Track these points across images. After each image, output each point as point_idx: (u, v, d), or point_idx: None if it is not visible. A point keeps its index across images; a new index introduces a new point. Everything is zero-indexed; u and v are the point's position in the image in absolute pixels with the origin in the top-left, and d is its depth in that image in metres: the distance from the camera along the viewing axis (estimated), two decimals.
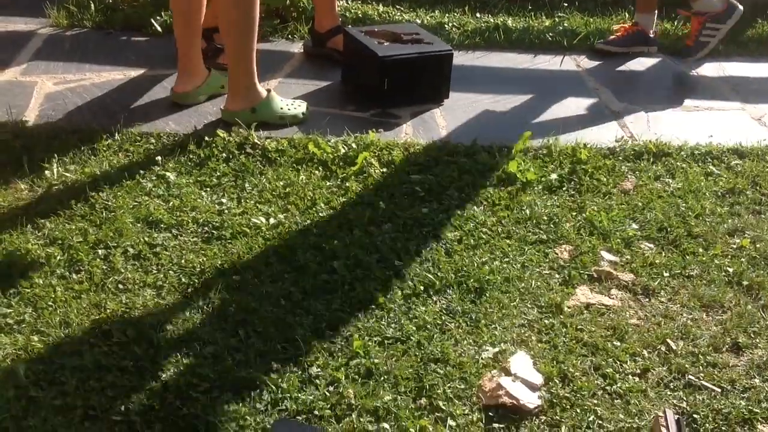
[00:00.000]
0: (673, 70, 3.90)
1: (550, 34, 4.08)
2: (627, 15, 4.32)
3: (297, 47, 3.84)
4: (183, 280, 2.35)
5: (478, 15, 4.28)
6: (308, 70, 3.63)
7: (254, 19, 3.00)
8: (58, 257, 2.39)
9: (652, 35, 3.97)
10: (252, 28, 3.02)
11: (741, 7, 3.79)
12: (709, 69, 3.90)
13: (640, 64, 3.92)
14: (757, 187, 2.96)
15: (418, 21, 4.12)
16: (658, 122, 3.40)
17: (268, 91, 3.19)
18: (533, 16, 4.29)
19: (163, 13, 3.91)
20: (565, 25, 4.18)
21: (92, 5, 3.92)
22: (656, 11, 3.99)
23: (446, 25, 4.12)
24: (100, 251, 2.43)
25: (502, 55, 3.94)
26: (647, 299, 2.43)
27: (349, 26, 3.73)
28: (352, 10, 4.20)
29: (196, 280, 2.35)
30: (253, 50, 3.06)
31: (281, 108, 3.18)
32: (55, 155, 2.84)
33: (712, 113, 3.51)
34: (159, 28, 3.84)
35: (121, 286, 2.31)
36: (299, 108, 3.23)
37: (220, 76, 3.28)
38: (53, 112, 3.14)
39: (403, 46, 3.40)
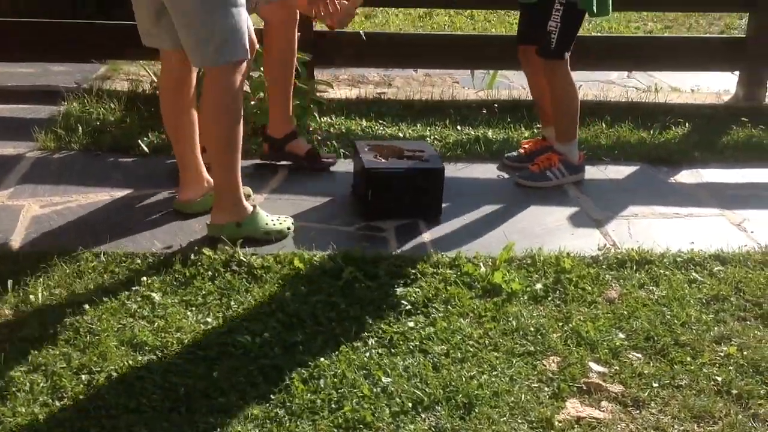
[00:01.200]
0: (652, 177, 3.97)
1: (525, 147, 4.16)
2: (604, 125, 4.42)
3: (281, 164, 3.90)
4: (167, 404, 2.32)
5: (458, 128, 4.38)
6: (294, 186, 3.69)
7: (237, 133, 3.07)
8: (41, 384, 2.36)
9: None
10: (235, 143, 3.07)
11: (584, 172, 3.86)
12: (687, 176, 3.97)
13: (619, 172, 4.00)
14: (741, 294, 2.98)
15: (401, 135, 4.21)
16: (639, 230, 3.44)
17: (254, 206, 3.22)
18: (512, 128, 4.39)
19: (150, 134, 3.99)
20: (544, 135, 4.27)
21: (80, 128, 3.99)
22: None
23: (428, 138, 4.21)
24: (83, 377, 2.40)
25: (484, 167, 4.01)
26: (638, 411, 2.41)
27: (358, 140, 3.80)
28: (336, 125, 4.29)
29: (181, 404, 2.32)
30: (238, 165, 3.11)
31: (266, 223, 3.21)
32: (41, 278, 2.85)
33: (692, 220, 3.56)
34: (146, 149, 3.90)
35: (104, 412, 2.27)
36: (285, 223, 3.27)
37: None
38: (39, 235, 3.16)
39: (397, 161, 3.48)
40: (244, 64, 3.08)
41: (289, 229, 3.26)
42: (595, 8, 3.56)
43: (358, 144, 3.59)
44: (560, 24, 3.57)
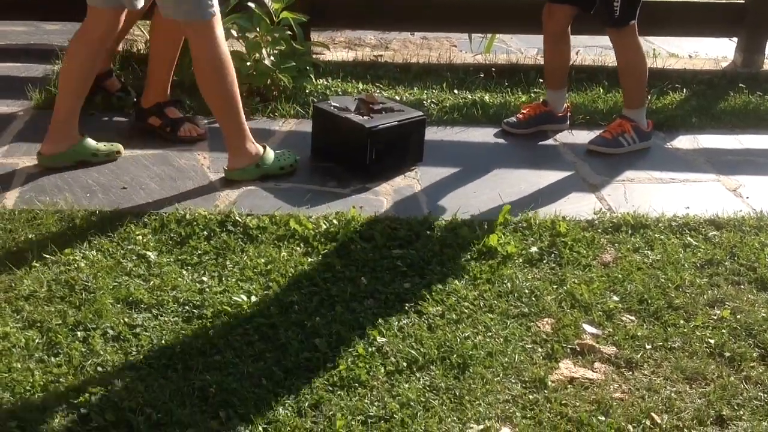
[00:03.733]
0: None
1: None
2: (601, 90, 4.40)
3: (278, 125, 3.89)
4: (163, 361, 2.32)
5: (456, 91, 4.36)
6: (290, 147, 3.66)
7: (235, 81, 3.24)
8: (37, 340, 2.36)
9: (560, 114, 3.98)
10: (236, 91, 3.26)
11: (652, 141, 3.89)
12: (684, 141, 3.97)
13: (628, 151, 3.98)
14: (735, 258, 2.99)
15: (398, 98, 4.19)
16: (635, 194, 3.44)
17: (264, 146, 3.37)
18: (510, 92, 4.37)
19: None
20: (542, 99, 4.25)
21: None
22: (566, 88, 4.00)
23: (425, 102, 4.19)
24: (79, 333, 2.41)
25: (481, 130, 3.99)
26: (630, 372, 2.42)
27: (317, 101, 3.81)
28: (332, 88, 4.26)
29: (177, 361, 2.33)
30: (240, 109, 3.30)
31: (278, 159, 3.41)
32: (36, 236, 2.84)
33: (688, 185, 3.56)
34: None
35: (100, 369, 2.28)
36: (291, 157, 3.46)
37: (92, 144, 3.38)
38: (34, 193, 3.14)
39: (382, 116, 3.49)
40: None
41: (296, 161, 3.46)
42: None
43: (322, 105, 3.58)
44: None
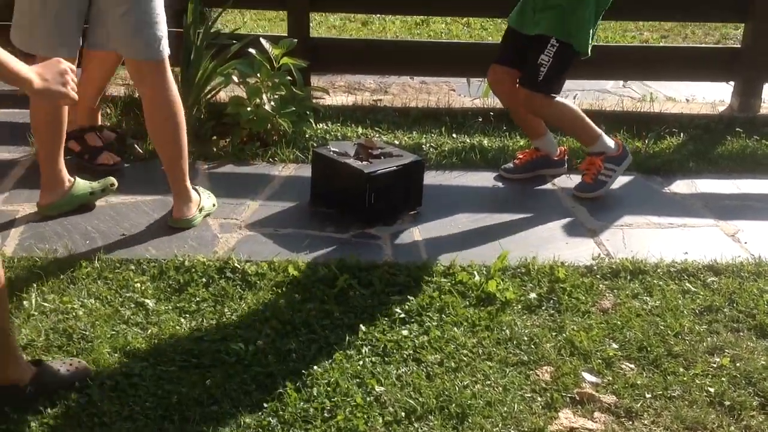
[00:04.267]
0: (646, 187, 3.98)
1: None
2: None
3: (277, 170, 3.91)
4: (160, 412, 2.32)
5: (454, 135, 4.39)
6: (290, 192, 3.69)
7: (183, 127, 3.28)
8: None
9: (557, 158, 3.97)
10: (184, 135, 3.29)
11: (631, 155, 3.89)
12: (681, 186, 3.98)
13: (614, 182, 4.00)
14: (734, 305, 2.98)
15: (397, 142, 4.22)
16: (633, 239, 3.44)
17: (195, 188, 3.43)
18: (508, 136, 4.39)
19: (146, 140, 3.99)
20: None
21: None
22: (550, 133, 3.97)
23: (424, 146, 4.22)
24: (76, 383, 2.39)
25: (479, 174, 4.01)
26: (630, 422, 2.41)
27: (316, 146, 3.83)
28: (332, 132, 4.29)
29: (174, 412, 2.32)
30: (186, 155, 3.32)
31: (208, 197, 3.50)
32: (34, 284, 2.84)
33: (686, 230, 3.56)
34: (141, 151, 3.90)
35: (96, 420, 2.27)
36: (211, 198, 3.51)
37: (85, 184, 3.41)
38: (33, 240, 3.15)
39: (381, 161, 3.51)
40: None
41: (214, 206, 3.50)
42: (590, 51, 3.61)
43: (322, 151, 3.60)
44: (552, 60, 3.57)
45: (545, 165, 3.99)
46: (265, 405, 2.37)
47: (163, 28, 3.13)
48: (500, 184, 3.94)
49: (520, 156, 4.04)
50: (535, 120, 3.91)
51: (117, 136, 4.06)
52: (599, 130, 3.83)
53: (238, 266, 3.02)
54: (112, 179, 3.48)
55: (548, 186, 3.95)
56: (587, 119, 3.82)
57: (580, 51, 3.61)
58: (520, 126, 4.07)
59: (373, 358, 2.60)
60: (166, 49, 3.15)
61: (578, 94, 4.90)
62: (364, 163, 3.49)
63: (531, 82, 3.64)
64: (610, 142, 3.84)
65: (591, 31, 3.61)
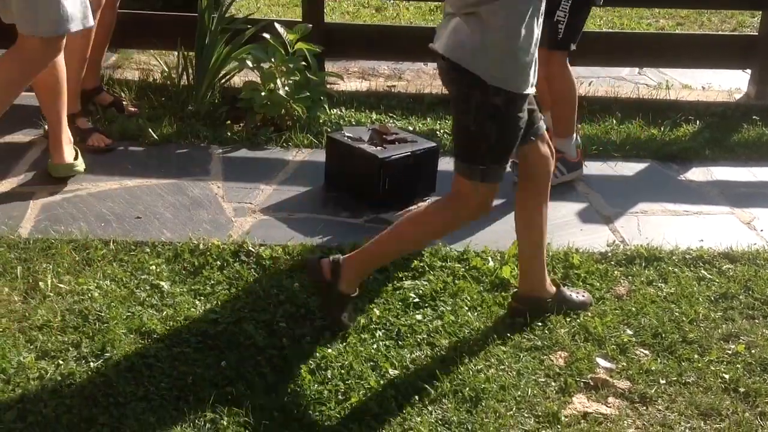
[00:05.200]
0: (662, 174, 3.96)
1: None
2: (614, 121, 4.41)
3: (291, 155, 3.91)
4: (175, 392, 2.33)
5: None
6: (303, 177, 3.69)
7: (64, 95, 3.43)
8: (51, 371, 2.37)
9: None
10: (64, 99, 3.44)
11: (583, 169, 3.84)
12: (697, 173, 3.96)
13: (629, 168, 3.99)
14: (750, 292, 2.97)
15: (411, 128, 4.20)
16: (648, 226, 3.43)
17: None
18: None
19: (162, 123, 3.99)
20: None
21: (90, 116, 4.00)
22: (575, 134, 3.82)
23: (438, 132, 4.20)
24: (92, 364, 2.41)
25: None
26: (644, 407, 2.41)
27: (330, 131, 3.83)
28: (346, 118, 4.29)
29: (188, 392, 2.33)
30: (65, 110, 3.48)
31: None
32: (50, 266, 2.85)
33: (702, 217, 3.55)
34: (156, 138, 3.90)
35: (112, 400, 2.29)
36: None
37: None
38: (49, 222, 3.17)
39: (395, 146, 3.51)
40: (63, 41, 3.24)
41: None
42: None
43: (336, 136, 3.60)
44: (568, 15, 3.53)
45: (566, 170, 3.83)
46: (280, 387, 2.38)
47: (60, 7, 3.08)
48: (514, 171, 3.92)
49: None
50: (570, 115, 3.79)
51: (114, 101, 4.12)
52: (574, 133, 3.80)
53: (253, 250, 3.03)
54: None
55: None
56: (575, 116, 3.78)
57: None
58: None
59: (387, 342, 2.60)
60: (58, 27, 3.12)
61: (593, 81, 4.87)
62: (378, 148, 3.49)
63: (550, 41, 3.59)
64: (573, 149, 3.79)
65: None
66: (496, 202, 3.55)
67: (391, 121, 4.30)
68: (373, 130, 3.65)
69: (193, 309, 2.70)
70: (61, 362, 2.41)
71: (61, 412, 2.22)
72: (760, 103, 4.75)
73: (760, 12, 4.87)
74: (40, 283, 2.76)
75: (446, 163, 3.86)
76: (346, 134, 3.61)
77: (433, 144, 3.64)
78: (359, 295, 2.73)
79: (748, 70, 4.98)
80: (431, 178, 3.60)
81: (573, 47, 3.64)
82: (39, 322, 2.58)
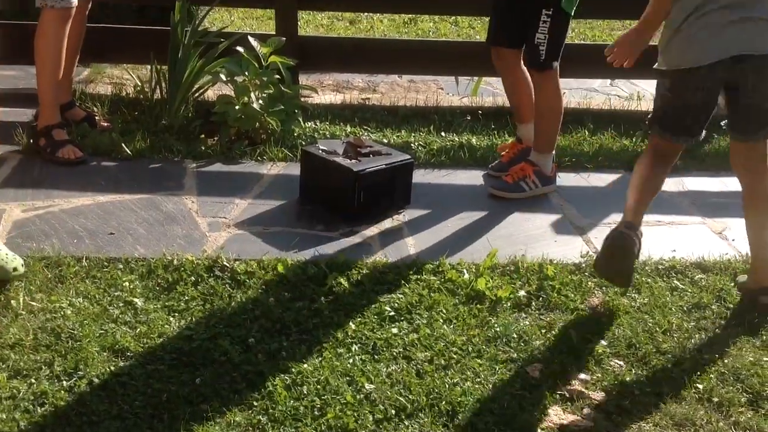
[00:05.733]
0: None
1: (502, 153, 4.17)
2: (587, 132, 4.44)
3: (266, 168, 3.90)
4: (149, 410, 2.31)
5: (443, 134, 4.39)
6: (278, 191, 3.68)
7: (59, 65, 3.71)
8: (23, 390, 2.34)
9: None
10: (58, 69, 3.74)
11: (555, 186, 3.88)
12: (669, 184, 3.96)
13: (602, 179, 4.02)
14: (722, 301, 3.00)
15: (385, 141, 4.22)
16: None
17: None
18: (497, 135, 4.40)
19: (134, 138, 3.97)
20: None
21: None
22: (553, 152, 3.86)
23: (412, 144, 4.22)
24: (65, 383, 2.39)
25: (468, 173, 4.01)
26: (620, 418, 2.42)
27: (305, 145, 3.83)
28: (321, 131, 4.29)
29: (163, 410, 2.31)
30: (55, 77, 3.76)
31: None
32: (22, 284, 2.82)
33: (674, 228, 3.58)
34: (129, 152, 3.88)
35: (86, 419, 2.26)
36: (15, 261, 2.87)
37: None
38: (21, 239, 3.13)
39: (371, 159, 3.51)
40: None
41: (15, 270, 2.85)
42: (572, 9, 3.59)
43: (311, 149, 3.60)
44: (548, 36, 3.56)
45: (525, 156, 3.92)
46: (255, 403, 2.36)
47: None
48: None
49: (503, 152, 4.03)
50: (529, 102, 3.86)
51: (86, 116, 4.11)
52: (553, 150, 3.84)
53: (227, 265, 3.01)
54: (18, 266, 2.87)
55: None
56: (557, 133, 3.83)
57: (567, 10, 3.57)
58: (511, 103, 4.03)
59: (363, 356, 2.60)
60: (56, 1, 3.58)
61: (566, 93, 4.90)
62: (352, 161, 3.49)
63: (535, 63, 3.64)
64: (550, 164, 3.83)
65: None
66: (473, 214, 3.59)
67: (365, 133, 4.31)
68: (347, 143, 3.65)
69: (167, 326, 2.68)
70: (33, 381, 2.38)
71: (34, 431, 2.20)
72: None
73: None
74: (12, 301, 2.73)
75: (421, 175, 3.89)
76: (321, 147, 3.61)
77: (408, 156, 3.65)
78: (334, 309, 2.73)
79: None
80: (406, 191, 3.61)
81: (555, 65, 3.66)
82: (11, 340, 2.55)
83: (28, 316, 2.68)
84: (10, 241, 3.12)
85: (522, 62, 3.79)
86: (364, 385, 2.46)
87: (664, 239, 3.45)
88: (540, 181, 3.79)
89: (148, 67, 4.37)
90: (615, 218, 3.61)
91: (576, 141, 4.35)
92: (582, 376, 2.58)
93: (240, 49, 4.12)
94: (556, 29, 3.57)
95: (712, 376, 2.60)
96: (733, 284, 3.09)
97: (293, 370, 2.51)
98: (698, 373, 2.62)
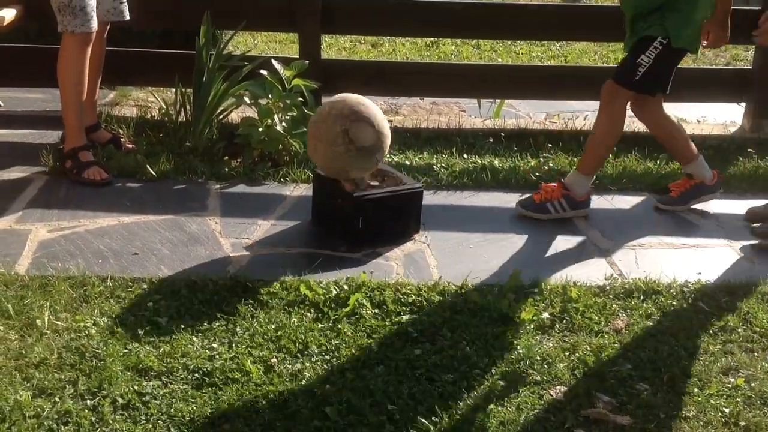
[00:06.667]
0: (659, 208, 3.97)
1: (536, 173, 4.17)
2: (611, 155, 4.42)
3: (289, 190, 3.92)
4: (172, 430, 2.31)
5: (465, 156, 4.39)
6: (301, 212, 3.69)
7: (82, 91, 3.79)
8: (47, 409, 2.35)
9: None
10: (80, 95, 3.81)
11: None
12: (694, 206, 3.96)
13: (626, 202, 4.00)
14: (749, 325, 2.97)
15: (408, 162, 4.22)
16: (646, 260, 3.43)
17: None
18: (519, 157, 4.40)
19: (159, 160, 4.01)
20: (550, 164, 4.29)
21: None
22: (701, 156, 3.89)
23: (434, 166, 4.22)
24: (89, 401, 2.40)
25: (490, 195, 4.01)
26: None
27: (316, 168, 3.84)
28: None
29: (186, 430, 2.31)
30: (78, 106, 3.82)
31: None
32: (47, 303, 2.84)
33: (699, 250, 3.55)
34: (154, 174, 3.92)
35: None
36: None
37: None
38: (46, 259, 3.16)
39: (378, 186, 3.51)
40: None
41: None
42: (690, 46, 3.55)
43: (323, 172, 3.59)
44: (652, 62, 3.52)
45: (701, 192, 3.91)
46: (278, 424, 2.36)
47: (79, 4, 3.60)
48: (511, 205, 3.92)
49: (673, 187, 3.95)
50: (684, 145, 3.85)
51: (112, 138, 4.14)
52: (594, 175, 3.82)
53: (250, 285, 3.02)
54: None
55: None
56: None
57: (685, 48, 3.55)
58: (666, 147, 4.02)
59: (386, 377, 2.59)
60: (77, 26, 3.65)
61: (588, 115, 4.90)
62: (359, 187, 3.48)
63: (624, 76, 3.61)
64: (584, 189, 3.80)
65: (695, 27, 3.52)
66: (496, 236, 3.59)
67: (387, 156, 4.31)
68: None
69: (190, 345, 2.69)
70: (57, 400, 2.39)
71: None
72: (756, 136, 4.78)
73: (754, 45, 4.91)
74: (37, 320, 2.75)
75: (444, 197, 3.89)
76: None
77: (418, 185, 3.58)
78: (356, 330, 2.73)
79: (743, 103, 5.02)
80: (415, 219, 3.57)
81: (649, 94, 3.65)
82: (35, 359, 2.57)
83: (53, 335, 2.70)
84: (36, 261, 3.15)
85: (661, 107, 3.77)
86: (386, 405, 2.45)
87: (690, 262, 3.43)
88: (568, 205, 3.77)
89: (173, 90, 4.42)
90: (639, 241, 3.60)
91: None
92: (606, 398, 2.56)
93: (264, 72, 4.16)
94: (664, 59, 3.54)
95: (738, 400, 2.57)
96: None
97: (315, 390, 2.50)
98: (724, 397, 2.58)
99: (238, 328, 2.79)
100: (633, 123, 4.91)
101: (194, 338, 2.73)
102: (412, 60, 6.61)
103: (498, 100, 5.20)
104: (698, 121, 5.23)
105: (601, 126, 3.75)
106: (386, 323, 2.87)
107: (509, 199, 3.98)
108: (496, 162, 4.32)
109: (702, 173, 3.89)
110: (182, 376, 2.54)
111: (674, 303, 3.08)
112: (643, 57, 3.54)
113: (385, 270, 3.25)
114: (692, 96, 4.97)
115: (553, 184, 3.82)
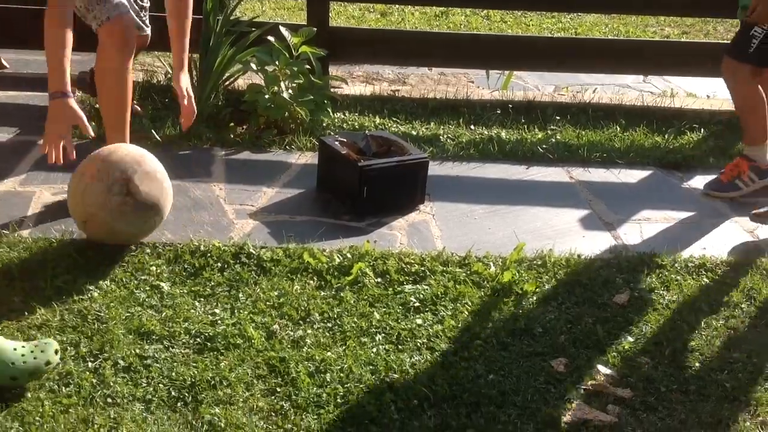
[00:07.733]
0: (665, 182, 3.95)
1: (543, 146, 4.15)
2: (618, 129, 4.40)
3: (294, 158, 3.90)
4: (173, 393, 2.32)
5: (472, 127, 4.37)
6: (306, 180, 3.68)
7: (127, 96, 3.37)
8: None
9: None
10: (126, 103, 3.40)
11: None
12: (701, 181, 3.94)
13: (633, 176, 3.98)
14: (752, 300, 2.96)
15: (414, 133, 4.20)
16: (651, 234, 3.42)
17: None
18: (526, 129, 4.37)
19: (164, 124, 3.99)
20: (558, 137, 4.27)
21: (93, 117, 3.99)
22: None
23: (441, 137, 4.20)
24: (90, 364, 2.40)
25: (496, 166, 3.99)
26: (645, 415, 2.39)
27: (330, 133, 3.82)
28: (350, 122, 4.28)
29: (186, 394, 2.32)
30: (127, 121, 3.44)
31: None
32: (50, 266, 2.85)
33: (704, 225, 3.53)
34: (159, 139, 3.90)
35: (110, 400, 2.27)
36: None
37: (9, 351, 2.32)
38: (50, 222, 3.16)
39: (384, 155, 3.49)
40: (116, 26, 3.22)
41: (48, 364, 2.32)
42: None
43: (328, 140, 3.58)
44: (765, 33, 3.45)
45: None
46: (279, 389, 2.37)
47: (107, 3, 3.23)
48: (518, 177, 3.91)
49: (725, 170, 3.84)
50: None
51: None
52: (767, 140, 3.73)
53: (254, 252, 3.02)
54: (52, 350, 2.35)
55: (565, 179, 3.92)
56: (766, 123, 3.71)
57: None
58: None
59: (387, 346, 2.59)
60: (110, 11, 3.23)
61: (598, 89, 4.87)
62: (364, 155, 3.47)
63: (738, 49, 3.55)
64: (766, 156, 3.74)
65: None
66: (501, 208, 3.57)
67: (394, 125, 4.29)
68: (369, 136, 3.63)
69: (192, 310, 2.69)
70: (59, 361, 2.40)
71: (58, 412, 2.21)
72: None
73: None
74: (40, 282, 2.75)
75: (449, 168, 3.87)
76: (339, 138, 3.59)
77: (424, 156, 3.56)
78: (359, 299, 2.72)
79: None
80: (420, 189, 3.55)
81: (760, 69, 3.58)
82: (38, 321, 2.57)
83: (55, 297, 2.70)
84: (39, 223, 3.15)
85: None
86: (387, 374, 2.46)
87: (695, 237, 3.41)
88: (758, 175, 3.72)
89: None
90: (645, 215, 3.58)
91: (607, 137, 4.31)
92: (607, 371, 2.56)
93: (271, 38, 4.13)
94: None
95: (740, 375, 2.56)
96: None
97: (317, 357, 2.50)
98: (726, 371, 2.58)
99: (240, 294, 2.80)
100: (642, 97, 4.89)
101: (196, 303, 2.73)
102: (421, 29, 6.56)
103: (507, 72, 5.16)
104: (708, 96, 5.19)
105: (737, 104, 3.73)
106: (388, 292, 2.87)
107: (515, 171, 3.96)
108: (503, 134, 4.29)
109: (762, 158, 3.77)
110: (184, 340, 2.54)
111: (678, 277, 3.07)
112: (756, 29, 3.47)
113: (388, 239, 3.24)
114: (702, 70, 4.92)
115: (735, 161, 3.76)
